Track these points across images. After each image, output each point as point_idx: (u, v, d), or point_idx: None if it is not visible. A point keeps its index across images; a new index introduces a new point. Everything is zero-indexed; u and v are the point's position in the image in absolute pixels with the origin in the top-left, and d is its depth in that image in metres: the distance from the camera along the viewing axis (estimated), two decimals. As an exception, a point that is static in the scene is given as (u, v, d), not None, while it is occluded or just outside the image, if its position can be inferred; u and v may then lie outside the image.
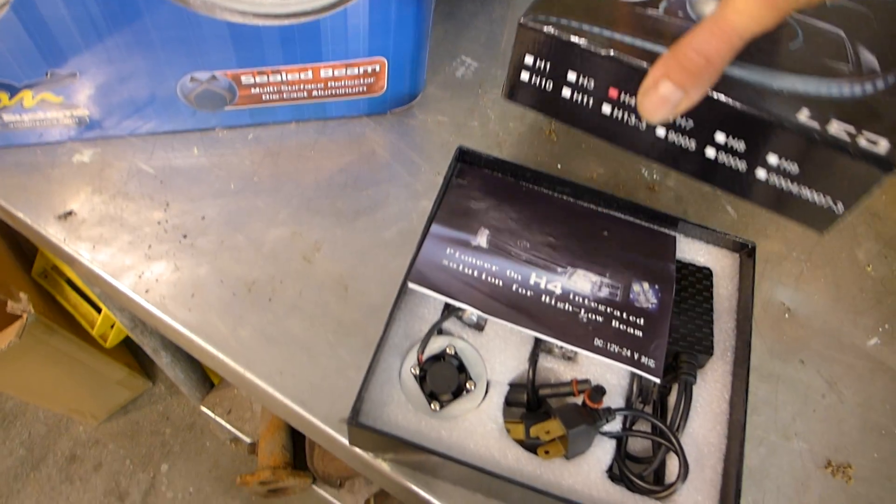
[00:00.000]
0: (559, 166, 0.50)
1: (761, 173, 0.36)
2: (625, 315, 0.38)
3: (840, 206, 0.35)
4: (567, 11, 0.35)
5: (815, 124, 0.32)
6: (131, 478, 1.20)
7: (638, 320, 0.37)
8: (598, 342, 0.36)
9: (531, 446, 0.36)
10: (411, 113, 0.52)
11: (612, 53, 0.34)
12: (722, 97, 0.33)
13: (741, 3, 0.27)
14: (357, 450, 0.38)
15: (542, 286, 0.38)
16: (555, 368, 0.39)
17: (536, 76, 0.38)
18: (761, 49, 0.34)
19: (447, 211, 0.41)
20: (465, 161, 0.44)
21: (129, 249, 0.44)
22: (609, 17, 0.36)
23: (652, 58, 0.33)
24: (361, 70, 0.46)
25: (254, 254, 0.44)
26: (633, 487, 0.35)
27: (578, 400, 0.37)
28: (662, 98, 0.30)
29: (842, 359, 0.45)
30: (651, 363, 0.36)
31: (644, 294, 0.39)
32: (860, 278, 0.48)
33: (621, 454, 0.36)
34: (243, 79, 0.44)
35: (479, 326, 0.39)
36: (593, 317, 0.37)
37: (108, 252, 0.44)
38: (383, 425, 0.35)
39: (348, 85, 0.47)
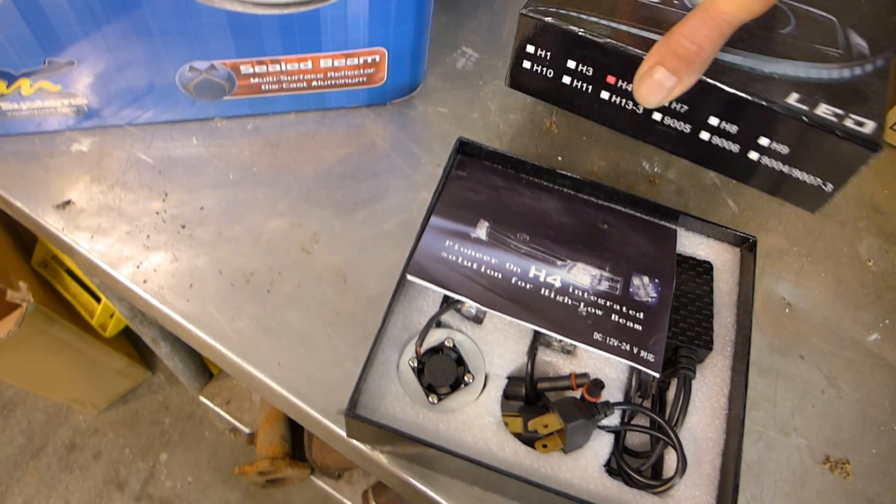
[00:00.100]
0: (560, 158, 0.50)
1: (753, 155, 0.37)
2: (624, 309, 0.37)
3: (829, 186, 0.36)
4: (566, 2, 0.37)
5: (803, 107, 0.34)
6: (130, 467, 1.20)
7: (637, 314, 0.37)
8: (597, 336, 0.36)
9: (529, 440, 0.35)
10: (411, 104, 0.52)
11: (609, 42, 0.35)
12: (714, 82, 0.34)
13: None
14: (354, 442, 0.38)
15: (542, 279, 0.38)
16: (553, 362, 0.39)
17: (537, 64, 0.39)
18: (754, 35, 0.35)
19: (447, 203, 0.41)
20: (465, 153, 0.44)
21: (127, 239, 0.44)
22: (607, 5, 0.37)
23: (648, 45, 0.34)
24: (361, 60, 0.45)
25: (252, 245, 0.44)
26: (630, 482, 0.35)
27: (577, 394, 0.36)
28: (657, 83, 0.31)
29: (841, 354, 0.45)
30: (650, 357, 0.36)
31: (644, 288, 0.39)
32: (861, 273, 0.48)
33: (619, 448, 0.36)
34: (242, 68, 0.44)
35: (477, 319, 0.39)
36: (592, 310, 0.37)
37: (106, 242, 0.43)
38: (381, 418, 0.35)
39: (348, 75, 0.46)
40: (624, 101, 0.38)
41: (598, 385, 0.35)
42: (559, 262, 0.39)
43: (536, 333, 0.38)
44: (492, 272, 0.38)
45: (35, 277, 1.05)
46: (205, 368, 1.09)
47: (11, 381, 1.03)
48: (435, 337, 0.38)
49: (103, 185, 0.46)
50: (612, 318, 0.37)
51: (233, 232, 0.44)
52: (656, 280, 0.39)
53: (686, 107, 0.37)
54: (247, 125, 0.49)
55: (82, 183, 0.46)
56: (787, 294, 0.47)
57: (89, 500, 1.17)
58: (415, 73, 0.50)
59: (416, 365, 0.37)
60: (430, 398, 0.36)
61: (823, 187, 0.37)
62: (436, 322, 0.38)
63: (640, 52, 0.35)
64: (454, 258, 0.38)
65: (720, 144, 0.38)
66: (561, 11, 0.37)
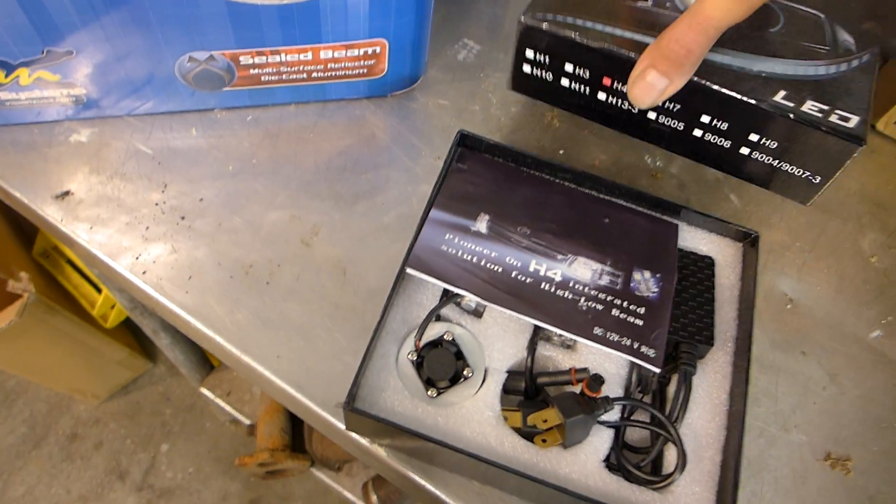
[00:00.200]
0: (561, 152, 0.50)
1: (745, 150, 0.39)
2: (625, 304, 0.37)
3: (819, 179, 0.38)
4: (563, 8, 0.39)
5: (790, 104, 0.35)
6: (132, 457, 1.21)
7: (638, 309, 0.37)
8: (597, 331, 0.36)
9: (528, 434, 0.35)
10: (412, 96, 0.51)
11: (603, 46, 0.37)
12: (704, 82, 0.36)
13: None
14: (353, 435, 0.38)
15: (542, 273, 0.38)
16: (553, 356, 0.39)
17: (537, 68, 0.41)
18: (744, 34, 0.37)
19: (447, 196, 0.40)
20: (466, 145, 0.43)
21: (126, 230, 0.43)
22: (602, 11, 0.39)
23: (641, 48, 0.36)
24: (362, 52, 0.45)
25: (252, 237, 0.44)
26: (630, 477, 0.35)
27: (577, 389, 0.36)
28: (649, 85, 0.33)
29: (843, 350, 0.44)
30: (651, 353, 0.35)
31: (645, 283, 0.38)
32: (864, 269, 0.48)
33: (619, 444, 0.36)
34: (242, 59, 0.44)
35: (477, 313, 0.39)
36: (593, 305, 0.37)
37: (105, 233, 0.43)
38: (379, 411, 0.35)
39: (348, 67, 0.46)
40: (620, 101, 0.40)
41: (598, 380, 0.34)
42: (560, 257, 0.39)
43: (536, 328, 0.38)
44: (492, 266, 0.37)
45: (36, 268, 1.05)
46: (205, 360, 1.09)
47: (13, 371, 1.03)
48: (434, 331, 0.38)
49: (102, 175, 0.45)
50: (613, 312, 0.37)
51: (232, 224, 0.44)
52: (657, 275, 0.39)
53: (679, 106, 0.38)
54: (246, 116, 0.49)
55: (81, 174, 0.45)
56: (789, 290, 0.46)
57: (91, 489, 1.17)
58: (416, 65, 0.49)
59: (415, 358, 0.37)
60: (429, 392, 0.36)
61: (813, 180, 0.38)
62: (435, 316, 0.38)
63: (633, 55, 0.36)
64: (454, 251, 0.38)
65: (713, 141, 0.39)
66: (558, 18, 0.38)
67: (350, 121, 0.49)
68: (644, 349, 0.36)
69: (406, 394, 0.36)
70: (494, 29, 0.56)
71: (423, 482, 0.37)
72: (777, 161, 0.38)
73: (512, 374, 0.38)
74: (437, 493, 0.37)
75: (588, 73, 0.39)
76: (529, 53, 0.40)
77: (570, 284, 0.37)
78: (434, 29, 0.48)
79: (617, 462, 0.36)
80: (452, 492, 0.37)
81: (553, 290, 0.37)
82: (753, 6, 0.30)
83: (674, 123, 0.40)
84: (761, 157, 0.39)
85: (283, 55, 0.44)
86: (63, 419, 1.24)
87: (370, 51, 0.45)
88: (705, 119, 0.38)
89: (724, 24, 0.31)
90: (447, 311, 0.39)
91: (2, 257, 0.91)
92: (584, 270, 0.38)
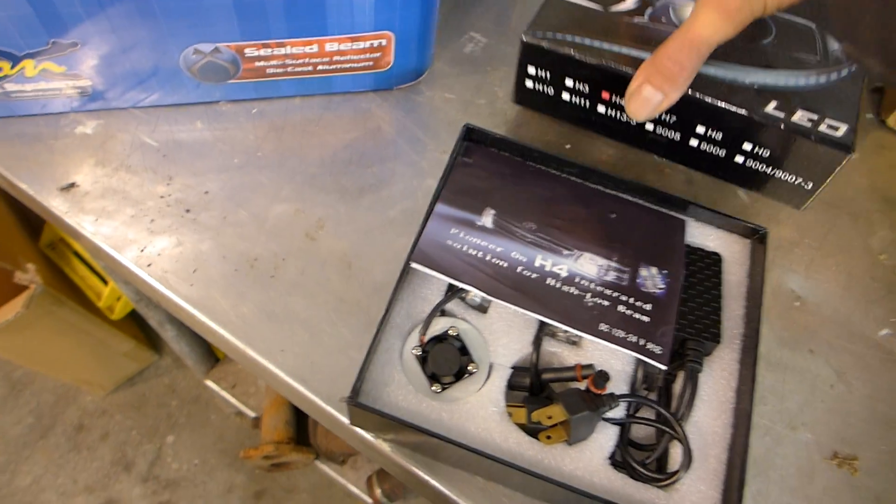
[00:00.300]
0: (567, 146, 0.49)
1: (739, 158, 0.40)
2: (631, 300, 0.37)
3: (811, 185, 0.40)
4: (562, 27, 0.40)
5: (781, 114, 0.37)
6: (137, 448, 1.21)
7: (645, 306, 0.37)
8: (603, 327, 0.36)
9: (533, 431, 0.35)
10: (418, 89, 0.51)
11: (601, 63, 0.39)
12: (698, 95, 0.38)
13: (704, 17, 0.31)
14: (357, 429, 0.38)
15: (548, 269, 0.37)
16: (559, 352, 0.38)
17: (538, 83, 0.43)
18: (737, 47, 0.38)
19: (452, 190, 0.40)
20: (472, 139, 0.43)
21: (131, 223, 0.43)
22: (599, 28, 0.41)
23: (637, 64, 0.37)
24: (368, 44, 0.45)
25: (256, 230, 0.44)
26: (635, 475, 0.35)
27: (582, 385, 0.36)
28: (645, 100, 0.35)
29: (851, 349, 0.44)
30: (657, 350, 0.35)
31: (652, 279, 0.38)
32: (873, 267, 0.47)
33: (624, 441, 0.36)
34: (247, 51, 0.43)
35: (482, 308, 0.39)
36: (599, 301, 0.37)
37: (110, 225, 0.43)
38: (383, 406, 0.35)
39: (354, 59, 0.46)
40: (619, 113, 0.42)
41: (603, 377, 0.34)
42: (566, 252, 0.38)
43: (542, 323, 0.38)
44: (497, 261, 0.37)
45: (43, 259, 1.06)
46: (211, 352, 1.10)
47: (20, 362, 1.04)
48: (439, 325, 0.38)
49: (108, 168, 0.45)
50: (619, 308, 0.36)
51: (237, 217, 0.44)
52: (664, 271, 0.39)
53: (675, 117, 0.40)
54: (252, 109, 0.49)
55: (87, 166, 0.45)
56: (797, 287, 0.46)
57: (97, 480, 1.18)
58: (422, 58, 0.49)
59: (419, 353, 0.37)
60: (433, 387, 0.36)
61: (805, 186, 0.40)
62: (440, 310, 0.38)
63: (629, 70, 0.38)
64: (459, 246, 0.37)
65: (708, 150, 0.41)
66: (557, 36, 0.40)
67: (355, 114, 0.49)
68: (650, 346, 0.35)
69: (410, 389, 0.36)
70: (501, 22, 0.56)
71: (426, 477, 0.37)
72: (770, 168, 0.40)
73: (517, 369, 0.37)
74: (441, 488, 0.36)
75: (587, 88, 0.41)
76: (531, 69, 0.42)
77: (576, 280, 0.37)
78: (440, 22, 0.48)
79: (622, 459, 0.36)
80: (456, 487, 0.36)
81: (559, 285, 0.37)
82: (742, 24, 0.31)
83: (670, 134, 0.41)
84: (755, 165, 0.40)
85: (288, 47, 0.44)
86: (70, 410, 1.25)
87: (376, 43, 0.45)
88: (700, 130, 0.40)
89: (715, 41, 0.32)
90: (452, 305, 0.39)
91: (9, 249, 0.92)
92: (590, 266, 0.38)
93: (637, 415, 0.37)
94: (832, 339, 0.44)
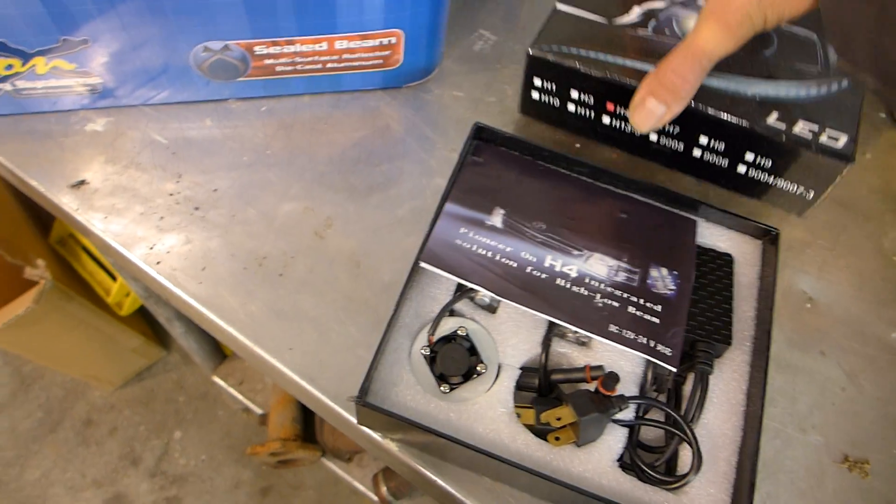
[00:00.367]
0: (577, 146, 0.49)
1: (741, 168, 0.41)
2: (641, 301, 0.37)
3: (811, 194, 0.41)
4: (567, 40, 0.41)
5: (782, 126, 0.38)
6: (145, 443, 1.22)
7: (655, 307, 0.37)
8: (612, 328, 0.35)
9: (541, 432, 0.35)
10: (427, 87, 0.51)
11: (606, 75, 0.40)
12: (701, 107, 0.38)
13: (706, 31, 0.32)
14: (365, 429, 0.38)
15: (558, 269, 0.37)
16: (568, 353, 0.38)
17: (544, 95, 0.44)
18: (739, 59, 0.38)
19: (462, 189, 0.40)
20: (482, 138, 0.43)
21: (141, 220, 0.43)
22: (604, 41, 0.41)
23: (641, 76, 0.38)
24: (377, 42, 0.45)
25: (265, 228, 0.44)
26: (644, 477, 0.35)
27: (591, 386, 0.36)
28: (649, 112, 0.35)
29: (863, 351, 0.43)
30: (667, 351, 0.35)
31: (662, 280, 0.38)
32: (885, 268, 0.47)
33: (633, 443, 0.36)
34: (257, 49, 0.43)
35: (491, 308, 0.39)
36: (609, 302, 0.36)
37: (120, 223, 0.43)
38: (392, 406, 0.35)
39: (363, 57, 0.46)
40: (623, 124, 0.43)
41: (613, 378, 0.34)
42: (576, 252, 0.38)
43: (551, 324, 0.38)
44: (506, 261, 0.37)
45: (52, 255, 1.06)
46: (218, 349, 1.10)
47: (30, 357, 1.04)
48: (448, 325, 0.37)
49: (117, 165, 0.45)
50: (629, 310, 0.36)
51: (246, 215, 0.44)
52: (675, 272, 0.38)
53: (678, 128, 0.41)
54: (261, 107, 0.49)
55: (97, 163, 0.45)
56: (809, 288, 0.45)
57: (105, 475, 1.19)
58: (431, 56, 0.49)
59: (428, 353, 0.36)
60: (441, 387, 0.35)
61: (806, 195, 0.41)
62: (449, 310, 0.37)
63: (633, 82, 0.39)
64: (468, 246, 0.37)
65: (711, 160, 0.42)
66: (563, 49, 0.41)
67: (364, 112, 0.49)
68: (660, 348, 0.35)
69: (418, 389, 0.36)
70: (511, 20, 0.56)
71: (434, 477, 0.37)
72: (772, 178, 0.40)
73: (525, 370, 0.37)
74: (449, 488, 0.36)
75: (592, 100, 0.42)
76: (537, 81, 0.43)
77: (586, 281, 0.37)
78: (450, 19, 0.48)
79: (631, 461, 0.35)
80: (464, 488, 0.36)
81: (568, 286, 0.37)
82: (744, 38, 0.32)
83: (674, 144, 0.42)
84: (757, 175, 0.41)
85: (298, 45, 0.43)
86: (78, 405, 1.26)
87: (385, 41, 0.45)
88: (703, 140, 0.40)
89: (717, 55, 0.33)
90: (461, 305, 0.39)
91: (19, 244, 0.92)
92: (600, 266, 0.38)
93: (646, 417, 0.37)
94: (843, 340, 0.44)
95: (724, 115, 0.38)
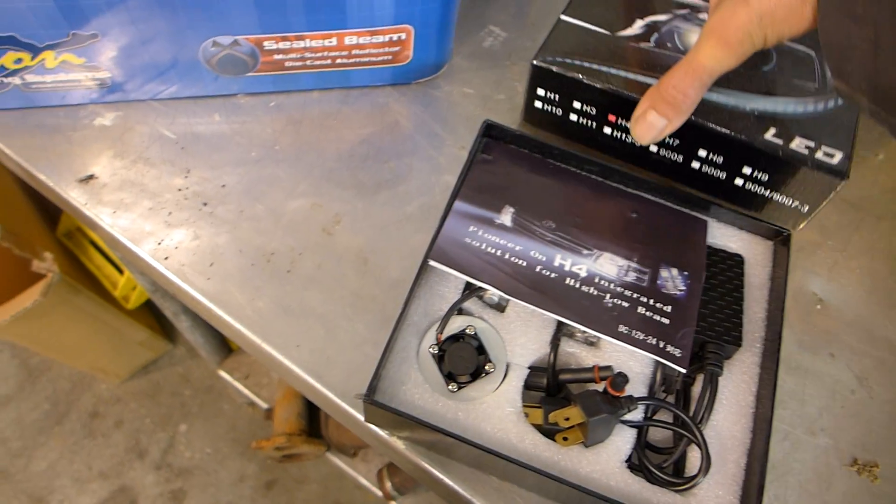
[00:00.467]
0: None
1: (738, 181, 0.42)
2: (651, 301, 0.36)
3: (807, 208, 0.41)
4: (571, 51, 0.42)
5: (779, 141, 0.39)
6: (151, 436, 1.23)
7: (665, 307, 0.36)
8: (622, 328, 0.35)
9: (549, 432, 0.35)
10: (436, 84, 0.51)
11: (608, 87, 0.41)
12: (701, 121, 0.39)
13: (708, 48, 0.33)
14: (372, 427, 0.38)
15: (567, 268, 0.37)
16: (576, 353, 0.38)
17: (547, 105, 0.45)
18: (739, 74, 0.39)
19: (471, 187, 0.40)
20: (492, 136, 0.42)
21: (149, 216, 0.43)
22: (607, 53, 0.42)
23: (642, 89, 0.39)
24: (387, 38, 0.44)
25: (273, 224, 0.43)
26: (652, 479, 0.34)
27: (599, 387, 0.36)
28: (650, 125, 0.36)
29: (874, 353, 0.43)
30: (677, 352, 0.35)
31: (672, 280, 0.37)
32: (897, 271, 0.47)
33: (641, 444, 0.36)
34: (266, 44, 0.43)
35: (500, 307, 0.38)
36: (618, 302, 0.36)
37: (128, 217, 0.43)
38: (399, 404, 0.35)
39: (373, 53, 0.45)
40: (624, 135, 0.44)
41: (622, 379, 0.34)
42: (585, 252, 0.38)
43: (560, 324, 0.38)
44: (516, 260, 0.37)
45: (60, 248, 1.07)
46: (224, 343, 1.10)
47: (37, 349, 1.05)
48: (456, 324, 0.37)
49: (126, 160, 0.45)
50: (639, 310, 0.36)
51: (254, 211, 0.44)
52: (685, 272, 0.38)
53: (678, 141, 0.42)
54: (269, 102, 0.48)
55: (105, 157, 0.45)
56: (819, 290, 0.45)
57: (111, 467, 1.19)
58: (441, 52, 0.49)
59: (436, 352, 0.36)
60: (449, 386, 0.35)
61: (801, 209, 0.41)
62: (457, 309, 0.37)
63: (635, 95, 0.40)
64: (478, 244, 0.37)
65: (709, 172, 0.42)
66: (566, 60, 0.42)
67: (373, 108, 0.49)
68: (670, 348, 0.35)
69: (426, 387, 0.35)
70: (521, 16, 0.55)
71: (441, 476, 0.37)
72: (768, 191, 0.41)
73: (534, 370, 0.37)
74: (456, 487, 0.36)
75: (594, 111, 0.43)
76: (540, 91, 0.44)
77: (596, 280, 0.37)
78: (460, 15, 0.47)
79: (639, 462, 0.35)
80: (471, 487, 0.36)
81: (578, 285, 0.36)
82: (744, 56, 0.32)
83: (673, 156, 0.43)
84: (754, 188, 0.42)
85: (307, 41, 0.43)
86: (85, 397, 1.26)
87: (395, 37, 0.44)
88: (702, 153, 0.41)
89: (717, 72, 0.33)
90: (469, 304, 0.39)
91: (27, 237, 0.92)
92: (610, 266, 0.37)
93: (655, 417, 0.37)
94: (854, 343, 0.43)
95: (724, 130, 0.39)
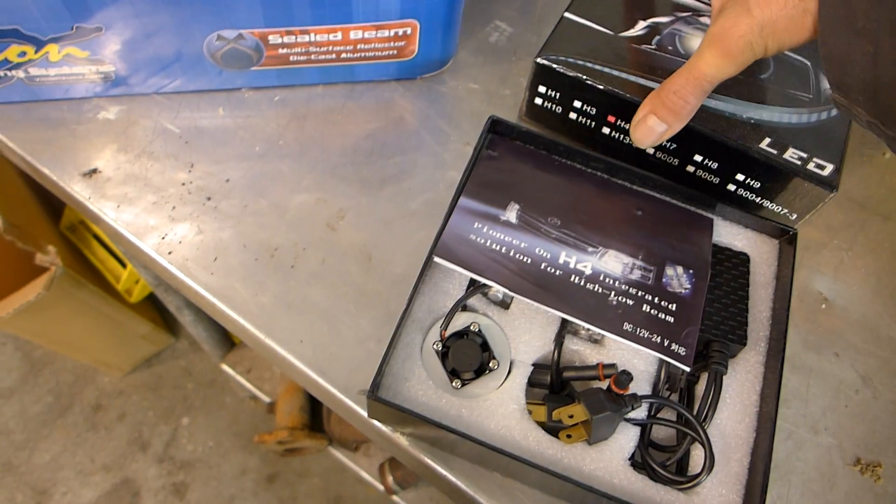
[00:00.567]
0: (593, 140, 0.48)
1: (731, 187, 0.43)
2: (656, 300, 0.36)
3: (795, 216, 0.43)
4: (574, 51, 0.43)
5: (773, 151, 0.40)
6: (153, 429, 1.23)
7: (670, 306, 0.36)
8: (627, 326, 0.35)
9: (553, 429, 0.35)
10: (442, 79, 0.50)
11: (610, 88, 0.41)
12: (699, 128, 0.40)
13: (709, 56, 0.33)
14: (375, 422, 0.37)
15: (572, 266, 0.37)
16: (580, 351, 0.38)
17: (548, 102, 0.45)
18: (737, 81, 0.40)
19: (476, 183, 0.40)
20: (497, 132, 0.42)
21: (153, 210, 0.43)
22: (609, 54, 0.43)
23: (643, 91, 0.40)
24: (392, 33, 0.44)
25: (277, 219, 0.43)
26: (655, 477, 0.34)
27: (603, 384, 0.36)
28: (650, 129, 0.37)
29: (878, 353, 0.43)
30: (681, 351, 0.35)
31: (677, 278, 0.37)
32: (904, 270, 0.46)
33: (645, 442, 0.36)
34: (271, 38, 0.43)
35: (504, 304, 0.38)
36: (623, 300, 0.36)
37: (132, 212, 0.43)
38: (403, 401, 0.35)
39: (378, 48, 0.45)
40: (622, 136, 0.44)
41: (626, 377, 0.34)
42: (590, 249, 0.38)
43: (564, 321, 0.38)
44: (521, 257, 0.37)
45: (63, 241, 1.07)
46: (227, 337, 1.10)
47: (40, 342, 1.05)
48: (460, 321, 0.37)
49: (130, 154, 0.45)
50: (644, 308, 0.36)
51: (258, 206, 0.44)
52: (690, 271, 0.38)
53: (675, 145, 0.42)
54: (274, 97, 0.48)
55: (109, 151, 0.45)
56: (825, 289, 0.45)
57: (114, 459, 1.20)
58: (446, 47, 0.48)
59: (440, 349, 0.36)
60: (453, 383, 0.35)
61: (790, 216, 0.43)
62: (461, 305, 0.37)
63: (636, 97, 0.40)
64: (482, 241, 0.37)
65: (703, 176, 0.43)
66: (570, 60, 0.42)
67: (378, 103, 0.49)
68: (674, 347, 0.35)
69: (430, 384, 0.35)
70: (527, 11, 0.55)
71: (444, 472, 0.37)
72: (759, 198, 0.42)
73: (538, 367, 0.37)
74: (458, 483, 0.36)
75: (594, 111, 0.43)
76: (542, 89, 0.44)
77: (601, 278, 0.37)
78: (465, 10, 0.47)
79: (642, 460, 0.35)
80: (473, 483, 0.36)
81: (583, 283, 0.36)
82: (744, 64, 0.33)
83: (669, 159, 0.43)
84: (745, 194, 0.43)
85: (312, 35, 0.43)
86: (88, 390, 1.27)
87: (401, 32, 0.44)
88: (698, 158, 0.42)
89: (718, 79, 0.34)
90: (474, 301, 0.39)
91: (30, 231, 0.92)
92: (615, 264, 0.37)
93: (659, 416, 0.37)
94: (859, 342, 0.43)
95: (721, 137, 0.40)
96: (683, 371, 0.35)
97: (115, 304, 1.05)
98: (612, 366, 0.36)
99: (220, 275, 0.41)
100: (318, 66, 0.46)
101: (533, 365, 0.37)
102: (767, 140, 0.40)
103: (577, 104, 0.44)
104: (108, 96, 0.47)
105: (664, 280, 0.37)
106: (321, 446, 1.06)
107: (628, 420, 0.35)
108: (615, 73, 0.42)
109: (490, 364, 0.36)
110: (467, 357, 0.36)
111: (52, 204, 1.09)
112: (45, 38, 0.41)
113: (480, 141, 0.41)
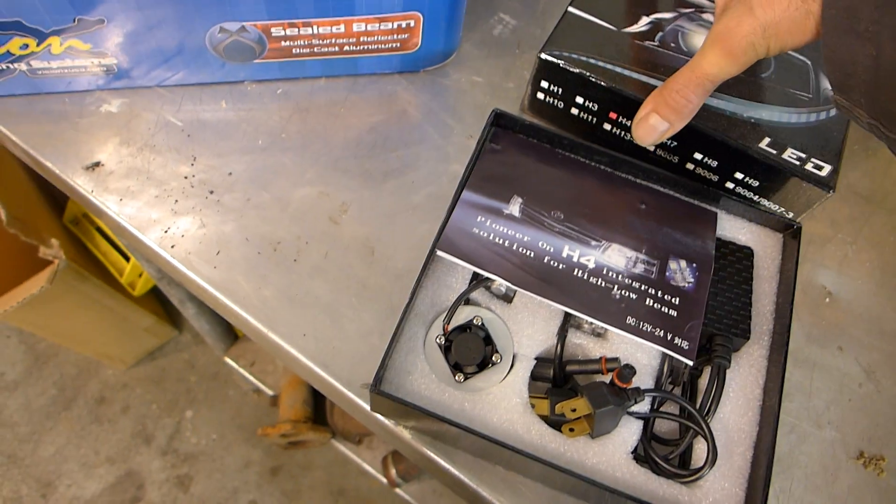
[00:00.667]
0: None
1: (730, 184, 0.43)
2: (659, 293, 0.36)
3: (791, 215, 0.43)
4: (577, 46, 0.43)
5: (773, 151, 0.40)
6: (157, 422, 1.23)
7: (673, 299, 0.36)
8: (630, 320, 0.35)
9: (555, 423, 0.35)
10: (445, 72, 0.50)
11: (612, 85, 0.41)
12: (700, 127, 0.40)
13: (711, 56, 0.33)
14: (378, 416, 0.38)
15: (575, 259, 0.37)
16: (583, 344, 0.38)
17: (550, 97, 0.45)
18: (738, 80, 0.41)
19: (479, 177, 0.39)
20: (500, 125, 0.42)
21: (155, 203, 0.43)
22: (612, 50, 0.43)
23: (645, 89, 0.40)
24: (395, 25, 0.44)
25: (280, 213, 0.43)
26: (658, 470, 0.34)
27: (606, 378, 0.36)
28: (652, 127, 0.37)
29: (882, 347, 0.43)
30: (685, 345, 0.35)
31: (681, 272, 0.37)
32: (908, 264, 0.46)
33: (647, 436, 0.36)
34: (273, 31, 0.43)
35: (507, 298, 0.38)
36: (626, 294, 0.36)
37: (134, 205, 0.43)
38: (405, 394, 0.35)
39: (381, 41, 0.45)
40: (623, 132, 0.44)
41: (629, 370, 0.34)
42: (594, 243, 0.38)
43: (567, 315, 0.37)
44: (524, 250, 0.37)
45: (66, 234, 1.07)
46: (230, 330, 1.11)
47: (44, 335, 1.05)
48: (463, 314, 0.37)
49: (132, 147, 0.45)
50: (647, 302, 0.36)
51: (261, 199, 0.44)
52: (694, 265, 0.38)
53: (675, 143, 0.43)
54: (276, 89, 0.48)
55: (111, 144, 0.45)
56: (829, 283, 0.45)
57: (118, 452, 1.20)
58: (450, 40, 0.48)
59: (443, 342, 0.36)
60: (456, 377, 0.35)
61: (785, 214, 0.43)
62: (464, 299, 0.37)
63: (638, 95, 0.40)
64: (485, 234, 0.37)
65: (702, 174, 0.44)
66: (573, 56, 0.42)
67: (381, 96, 0.48)
68: (678, 341, 0.35)
69: (433, 378, 0.35)
70: (530, 4, 0.55)
71: (446, 465, 0.37)
72: (756, 196, 0.43)
73: (541, 360, 0.37)
74: (461, 476, 0.36)
75: (596, 107, 0.43)
76: (544, 84, 0.44)
77: (604, 272, 0.37)
78: (469, 2, 0.47)
79: (645, 454, 0.35)
80: (476, 476, 0.36)
81: (586, 276, 0.36)
82: (746, 64, 0.33)
83: (669, 156, 0.44)
84: (743, 192, 0.43)
85: (315, 27, 0.43)
86: (91, 383, 1.27)
87: (404, 24, 0.44)
88: (698, 156, 0.43)
89: (720, 79, 0.34)
90: (476, 294, 0.38)
91: (33, 224, 0.93)
92: (618, 258, 0.37)
93: (661, 409, 0.37)
94: (862, 336, 0.43)
95: (722, 137, 0.40)
96: (686, 365, 0.35)
97: (118, 297, 1.05)
98: (615, 360, 0.36)
99: (222, 268, 0.41)
100: (321, 58, 0.46)
101: (536, 359, 0.37)
102: (767, 140, 0.40)
103: (580, 100, 0.44)
104: (110, 89, 0.47)
105: (668, 274, 0.37)
106: (324, 439, 1.06)
107: (631, 414, 0.35)
108: (618, 69, 0.42)
109: (493, 358, 0.36)
110: (470, 351, 0.36)
111: (55, 197, 1.09)
112: (48, 31, 0.40)
113: (484, 134, 0.41)
